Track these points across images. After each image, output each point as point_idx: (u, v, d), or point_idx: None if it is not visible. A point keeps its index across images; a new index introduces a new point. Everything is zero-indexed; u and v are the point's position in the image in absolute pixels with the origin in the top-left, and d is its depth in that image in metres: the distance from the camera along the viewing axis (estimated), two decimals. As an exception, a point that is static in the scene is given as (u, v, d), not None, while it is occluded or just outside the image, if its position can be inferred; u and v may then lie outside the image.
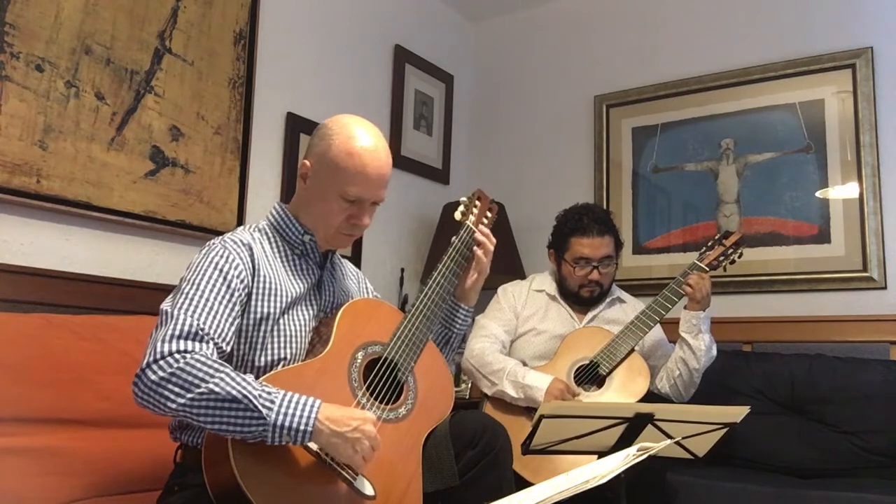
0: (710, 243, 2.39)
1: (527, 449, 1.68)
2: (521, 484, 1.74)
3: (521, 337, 2.50)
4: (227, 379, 1.31)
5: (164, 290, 2.19)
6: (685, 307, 2.32)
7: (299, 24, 2.84)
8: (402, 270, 3.25)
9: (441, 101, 3.56)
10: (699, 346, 2.29)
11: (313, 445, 1.36)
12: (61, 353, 1.73)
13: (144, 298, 2.13)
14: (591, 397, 2.27)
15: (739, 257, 2.37)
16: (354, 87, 3.09)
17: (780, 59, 2.98)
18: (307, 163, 1.60)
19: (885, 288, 2.71)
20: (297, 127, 2.77)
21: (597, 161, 3.36)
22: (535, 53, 3.63)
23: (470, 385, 3.05)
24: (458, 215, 1.82)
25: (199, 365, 1.31)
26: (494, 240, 1.81)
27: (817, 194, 2.87)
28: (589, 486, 1.08)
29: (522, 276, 2.95)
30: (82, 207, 2.07)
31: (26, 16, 1.97)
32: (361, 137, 1.57)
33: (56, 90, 2.03)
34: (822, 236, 2.84)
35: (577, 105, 3.46)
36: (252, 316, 1.50)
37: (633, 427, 1.61)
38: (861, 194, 2.76)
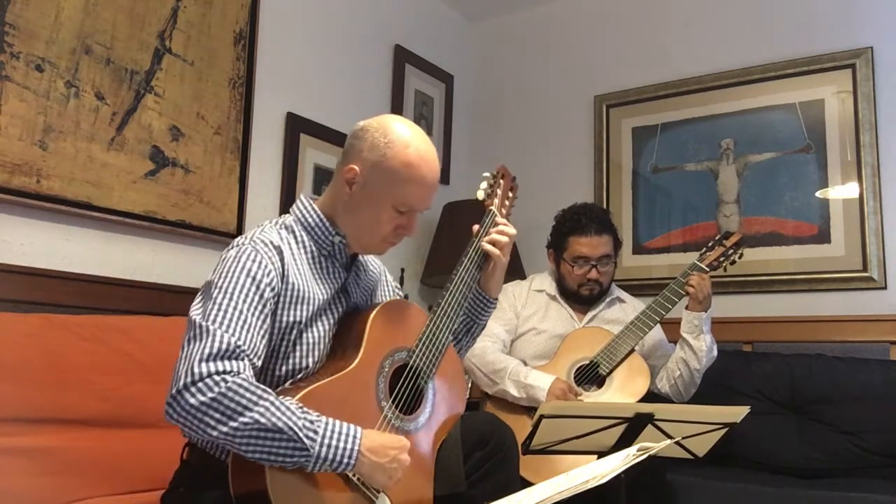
0: (710, 244, 2.39)
1: (527, 449, 1.68)
2: (522, 484, 1.74)
3: (522, 336, 2.51)
4: (273, 409, 1.27)
5: (164, 290, 2.21)
6: (686, 307, 2.32)
7: (299, 24, 2.84)
8: (402, 270, 3.25)
9: (441, 101, 3.56)
10: (700, 347, 2.29)
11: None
12: (61, 353, 1.73)
13: (144, 298, 2.13)
14: (592, 397, 2.27)
15: (740, 258, 2.37)
16: (354, 87, 3.09)
17: (780, 59, 2.98)
18: (356, 168, 1.52)
19: (885, 288, 2.71)
20: (297, 127, 2.77)
21: (597, 161, 3.36)
22: (535, 53, 3.63)
23: (470, 384, 3.05)
24: (480, 195, 1.76)
25: (241, 391, 1.27)
26: (514, 230, 1.74)
27: (817, 194, 2.87)
28: (589, 486, 1.08)
29: (523, 276, 2.95)
30: (82, 207, 2.07)
31: (26, 16, 1.97)
32: (417, 145, 1.52)
33: (56, 90, 2.03)
34: (822, 236, 2.84)
35: (577, 105, 3.46)
36: (278, 324, 1.45)
37: (633, 427, 1.61)
38: (861, 194, 2.76)
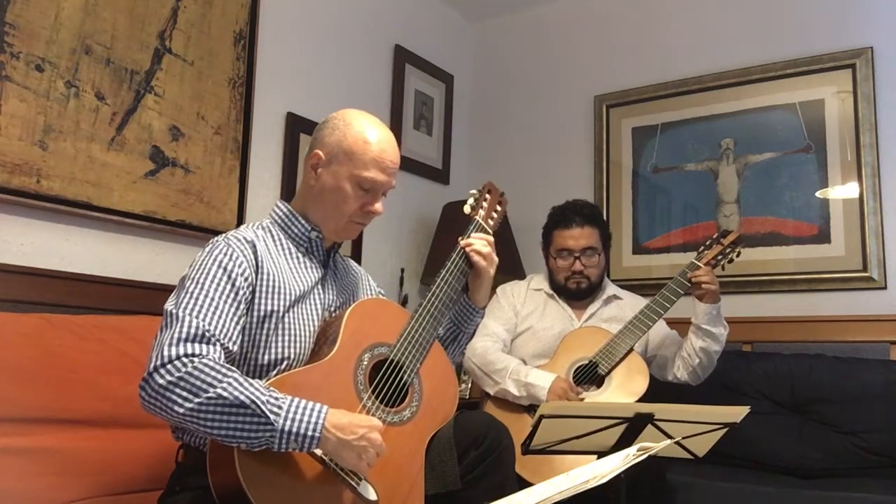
0: (707, 242, 2.39)
1: (527, 449, 1.68)
2: (521, 484, 1.74)
3: (521, 335, 2.51)
4: (235, 384, 1.30)
5: (165, 290, 2.19)
6: (702, 301, 2.30)
7: (299, 24, 2.84)
8: (402, 270, 3.25)
9: (441, 101, 3.56)
10: (721, 332, 2.33)
11: (318, 451, 1.36)
12: (61, 353, 1.72)
13: (144, 298, 2.13)
14: (591, 397, 2.27)
15: (738, 256, 2.36)
16: (354, 87, 3.09)
17: (780, 59, 2.98)
18: (319, 153, 1.61)
19: (885, 288, 2.71)
20: (297, 127, 2.77)
21: (597, 161, 3.36)
22: (535, 53, 3.63)
23: (470, 384, 3.05)
24: (467, 209, 1.82)
25: (206, 369, 1.30)
26: (491, 238, 1.80)
27: (817, 194, 2.87)
28: (589, 486, 1.08)
29: (522, 276, 2.95)
30: (82, 207, 2.07)
31: (26, 16, 1.97)
32: (375, 127, 1.63)
33: (56, 90, 2.03)
34: (822, 236, 2.84)
35: (577, 105, 3.46)
36: (256, 313, 1.49)
37: (633, 427, 1.61)
38: (861, 194, 2.76)
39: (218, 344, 1.37)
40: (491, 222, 1.83)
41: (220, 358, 1.36)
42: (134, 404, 1.36)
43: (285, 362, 1.51)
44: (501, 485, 1.55)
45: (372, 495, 1.42)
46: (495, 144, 3.69)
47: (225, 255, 1.47)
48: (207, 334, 1.36)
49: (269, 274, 1.52)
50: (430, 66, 3.49)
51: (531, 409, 2.30)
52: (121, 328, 1.90)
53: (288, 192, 2.71)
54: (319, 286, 1.63)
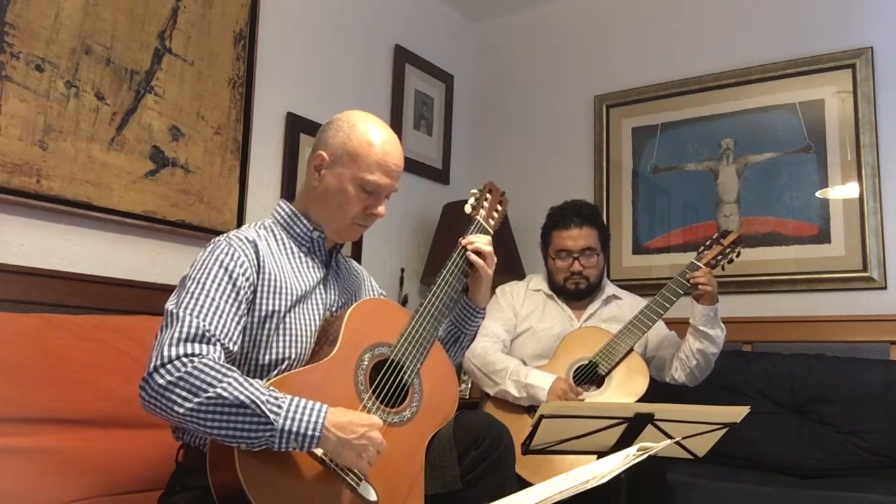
0: (707, 242, 2.39)
1: (527, 449, 1.68)
2: (521, 484, 1.74)
3: (520, 336, 2.51)
4: (235, 384, 1.30)
5: (164, 289, 2.19)
6: (699, 302, 2.31)
7: (299, 24, 2.84)
8: (402, 270, 3.25)
9: (441, 101, 3.56)
10: (718, 335, 2.33)
11: (318, 450, 1.36)
12: (61, 353, 1.72)
13: (144, 298, 2.13)
14: (591, 397, 2.28)
15: (738, 256, 2.36)
16: (354, 87, 3.09)
17: (780, 59, 2.98)
18: (323, 154, 1.60)
19: (885, 288, 2.71)
20: (297, 127, 2.77)
21: (597, 161, 3.36)
22: (535, 53, 3.63)
23: (470, 384, 3.05)
24: (467, 209, 1.82)
25: (206, 369, 1.30)
26: (489, 239, 1.79)
27: (817, 194, 2.87)
28: (589, 486, 1.08)
29: (522, 276, 2.95)
30: (82, 207, 2.07)
31: (26, 16, 1.97)
32: (379, 129, 1.62)
33: (56, 90, 2.03)
34: (822, 236, 2.84)
35: (577, 105, 3.46)
36: (257, 313, 1.49)
37: (633, 427, 1.61)
38: (861, 194, 2.76)
39: (218, 344, 1.37)
40: (492, 222, 1.83)
41: (220, 358, 1.36)
42: (134, 404, 1.36)
43: (286, 362, 1.51)
44: (501, 485, 1.55)
45: (372, 495, 1.42)
46: (495, 144, 3.69)
47: (227, 254, 1.47)
48: (208, 334, 1.36)
49: (270, 274, 1.52)
50: (430, 66, 3.49)
51: (531, 409, 2.30)
52: (121, 328, 1.90)
53: (288, 192, 2.71)
54: (321, 286, 1.63)
